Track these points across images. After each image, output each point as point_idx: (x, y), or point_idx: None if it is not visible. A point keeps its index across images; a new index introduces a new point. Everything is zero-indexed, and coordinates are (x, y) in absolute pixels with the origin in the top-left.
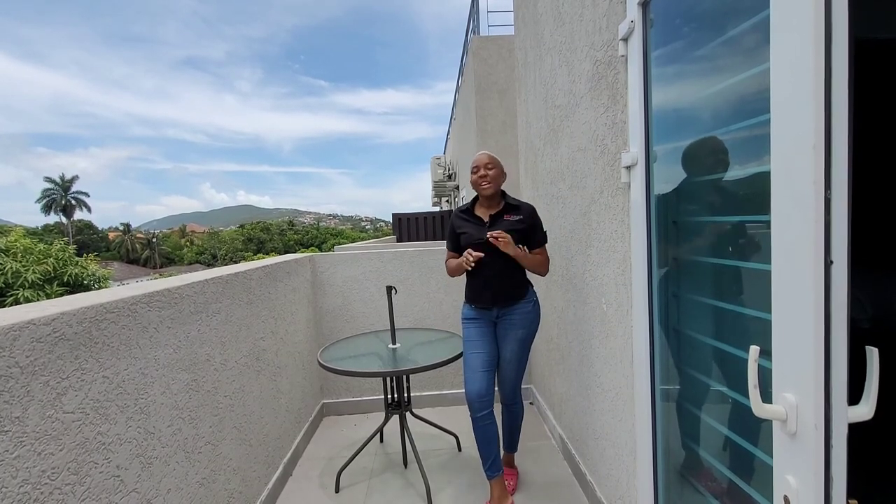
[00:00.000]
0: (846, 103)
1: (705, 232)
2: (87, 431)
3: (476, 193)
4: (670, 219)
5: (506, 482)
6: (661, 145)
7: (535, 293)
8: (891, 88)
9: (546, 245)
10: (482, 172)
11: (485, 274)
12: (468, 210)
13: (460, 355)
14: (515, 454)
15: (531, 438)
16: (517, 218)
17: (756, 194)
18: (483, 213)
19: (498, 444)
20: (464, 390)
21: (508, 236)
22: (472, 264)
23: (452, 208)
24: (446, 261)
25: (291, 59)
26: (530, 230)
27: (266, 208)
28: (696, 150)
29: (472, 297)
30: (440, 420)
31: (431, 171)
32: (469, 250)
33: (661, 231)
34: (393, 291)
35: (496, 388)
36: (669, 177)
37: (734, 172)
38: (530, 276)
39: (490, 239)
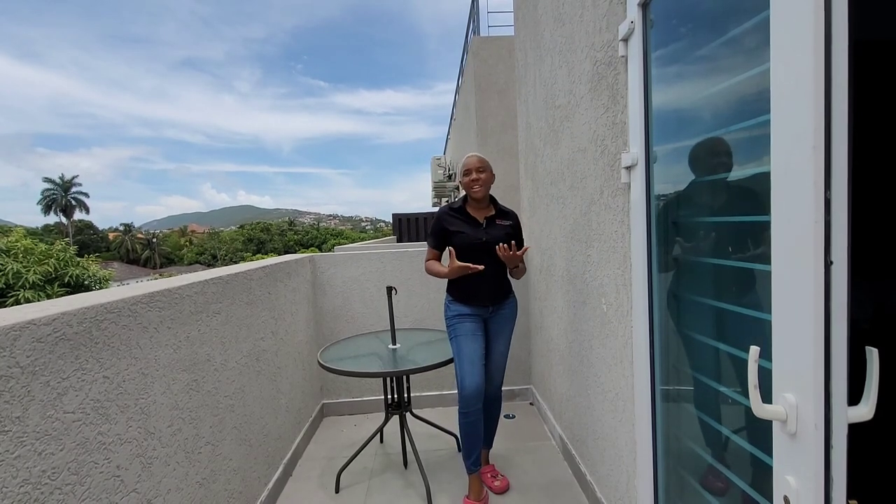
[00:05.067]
0: (846, 103)
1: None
2: (87, 431)
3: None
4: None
5: (501, 477)
6: (661, 146)
7: None
8: (891, 89)
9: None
10: (474, 176)
11: (484, 274)
12: (461, 209)
13: None
14: (516, 455)
15: (531, 439)
16: (509, 223)
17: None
18: (477, 214)
19: (482, 439)
20: (458, 387)
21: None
22: (478, 268)
23: None
24: (427, 260)
25: (291, 59)
26: (518, 236)
27: (266, 208)
28: (699, 151)
29: (467, 296)
30: (440, 420)
31: (431, 172)
32: (468, 264)
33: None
34: (393, 292)
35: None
36: (672, 177)
37: (735, 173)
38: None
39: (510, 256)
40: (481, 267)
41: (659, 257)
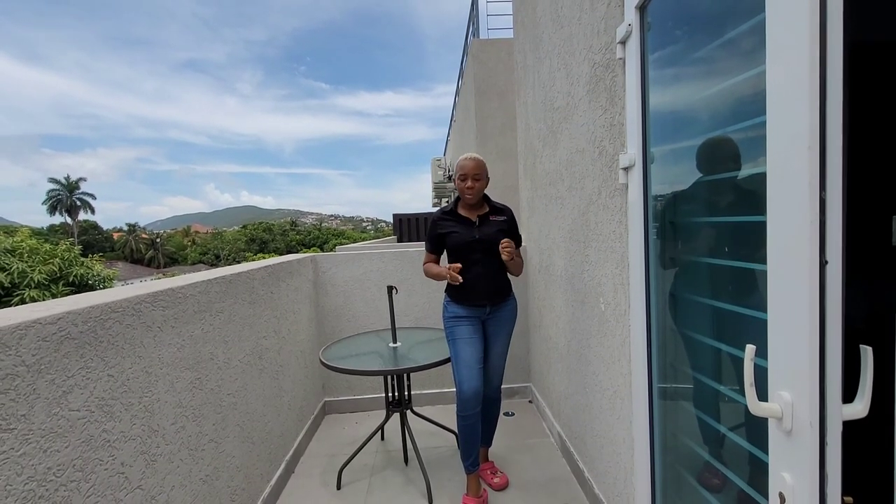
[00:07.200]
0: (841, 104)
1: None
2: (92, 429)
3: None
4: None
5: (500, 474)
6: (658, 147)
7: None
8: (886, 90)
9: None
10: (469, 184)
11: (480, 272)
12: (452, 211)
13: None
14: (515, 453)
15: (530, 436)
16: (503, 219)
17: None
18: (470, 214)
19: (480, 441)
20: (457, 390)
21: (513, 244)
22: (459, 280)
23: None
24: (425, 263)
25: (292, 61)
26: (513, 230)
27: (269, 209)
28: (707, 150)
29: (464, 295)
30: (440, 418)
31: (432, 173)
32: (453, 267)
33: None
34: (394, 291)
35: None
36: (669, 178)
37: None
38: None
39: (504, 250)
40: (459, 279)
41: (656, 257)
